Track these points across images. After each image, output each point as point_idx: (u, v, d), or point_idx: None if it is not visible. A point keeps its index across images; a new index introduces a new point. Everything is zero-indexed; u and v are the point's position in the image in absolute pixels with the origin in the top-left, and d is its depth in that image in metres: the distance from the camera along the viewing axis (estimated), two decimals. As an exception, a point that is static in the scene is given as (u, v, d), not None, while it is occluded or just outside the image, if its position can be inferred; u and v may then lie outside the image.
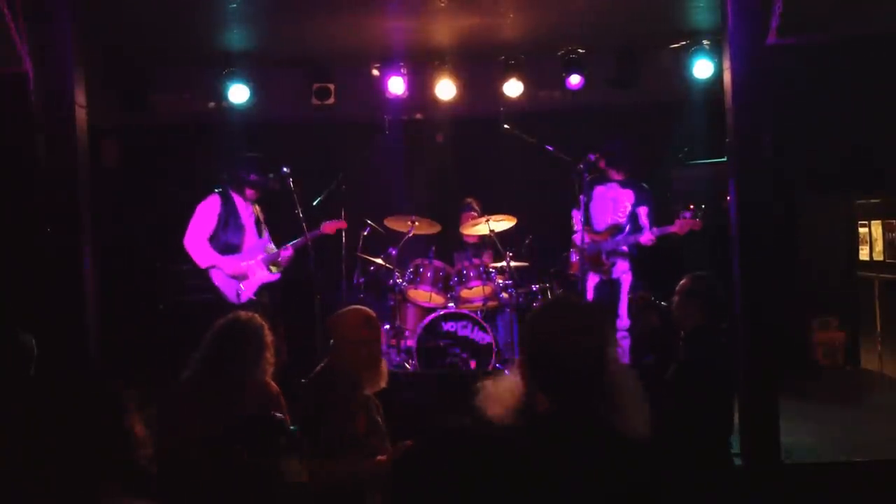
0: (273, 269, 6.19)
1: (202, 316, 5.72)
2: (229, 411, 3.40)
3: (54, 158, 4.49)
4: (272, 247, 6.21)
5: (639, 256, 6.62)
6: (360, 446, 3.36)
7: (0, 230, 5.83)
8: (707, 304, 3.92)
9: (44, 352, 3.84)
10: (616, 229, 6.58)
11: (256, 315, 3.70)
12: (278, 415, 3.23)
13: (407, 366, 6.60)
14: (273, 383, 3.66)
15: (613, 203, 6.64)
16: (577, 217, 6.66)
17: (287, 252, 6.15)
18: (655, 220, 6.51)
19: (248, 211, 6.13)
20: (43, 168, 4.54)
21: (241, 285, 5.98)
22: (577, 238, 6.55)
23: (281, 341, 6.89)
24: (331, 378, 3.53)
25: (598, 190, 6.57)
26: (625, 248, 6.58)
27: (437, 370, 6.38)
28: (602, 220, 6.64)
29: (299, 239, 6.13)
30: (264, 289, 6.11)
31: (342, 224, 6.33)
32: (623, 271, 6.62)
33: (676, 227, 6.26)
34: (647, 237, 6.36)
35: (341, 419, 3.37)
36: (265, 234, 6.24)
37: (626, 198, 6.61)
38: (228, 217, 6.00)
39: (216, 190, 6.04)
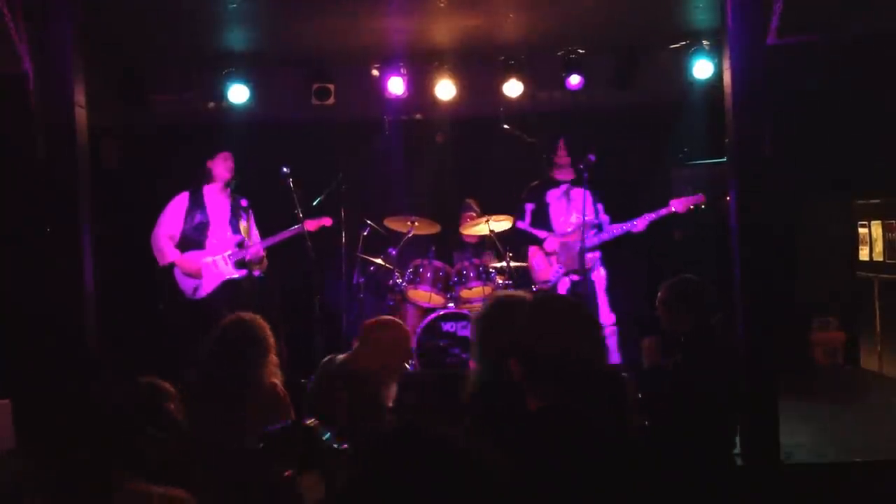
0: (255, 267, 6.08)
1: (202, 316, 5.76)
2: (236, 414, 3.39)
3: (54, 158, 4.49)
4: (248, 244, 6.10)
5: (609, 250, 6.62)
6: None
7: (0, 230, 5.83)
8: (690, 307, 3.91)
9: (44, 350, 3.84)
10: (587, 227, 6.46)
11: (258, 316, 3.69)
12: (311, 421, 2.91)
13: (407, 366, 6.59)
14: (280, 385, 3.63)
15: (575, 203, 6.57)
16: (524, 226, 6.70)
17: (254, 250, 6.04)
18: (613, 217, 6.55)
19: (221, 206, 6.13)
20: (43, 168, 4.54)
21: (199, 281, 5.99)
22: (548, 245, 6.58)
23: (281, 342, 6.90)
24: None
25: (552, 193, 6.53)
26: (597, 241, 6.54)
27: (437, 370, 6.37)
28: (563, 222, 6.59)
29: (270, 238, 6.12)
30: (229, 285, 6.05)
31: (326, 221, 6.27)
32: (597, 268, 6.60)
33: (675, 206, 6.25)
34: (640, 225, 6.36)
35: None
36: (251, 232, 6.17)
37: (584, 196, 6.43)
38: (194, 212, 6.05)
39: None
